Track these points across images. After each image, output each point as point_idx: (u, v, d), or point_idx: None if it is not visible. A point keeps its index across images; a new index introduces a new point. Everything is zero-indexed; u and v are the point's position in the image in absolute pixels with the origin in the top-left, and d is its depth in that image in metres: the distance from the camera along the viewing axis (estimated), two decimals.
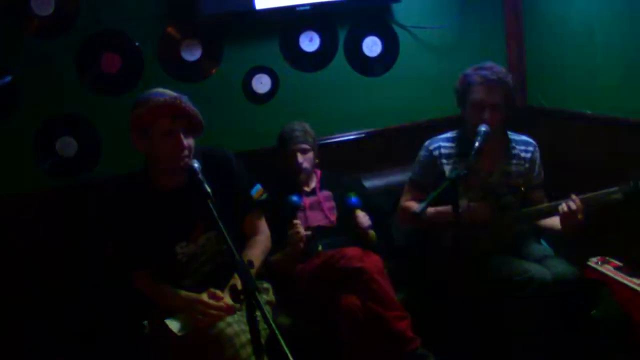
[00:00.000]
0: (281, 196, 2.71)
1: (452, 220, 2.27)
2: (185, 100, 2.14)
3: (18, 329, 2.78)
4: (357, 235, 2.64)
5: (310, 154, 2.81)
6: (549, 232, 2.61)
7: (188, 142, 2.13)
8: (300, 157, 2.77)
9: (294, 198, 2.68)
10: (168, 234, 2.25)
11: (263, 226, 2.47)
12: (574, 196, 2.34)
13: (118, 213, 2.26)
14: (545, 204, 2.55)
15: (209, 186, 1.91)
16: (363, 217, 2.68)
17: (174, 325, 2.11)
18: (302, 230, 2.58)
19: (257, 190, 2.42)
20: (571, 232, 2.38)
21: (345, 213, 2.74)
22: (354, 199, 2.71)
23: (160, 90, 2.18)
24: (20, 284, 2.78)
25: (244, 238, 2.41)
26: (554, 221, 2.46)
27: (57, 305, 2.81)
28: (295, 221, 2.61)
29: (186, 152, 2.12)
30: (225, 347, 2.01)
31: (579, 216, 2.31)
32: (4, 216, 2.78)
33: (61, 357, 2.77)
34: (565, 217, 2.35)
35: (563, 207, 2.34)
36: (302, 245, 2.57)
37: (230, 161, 2.37)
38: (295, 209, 2.67)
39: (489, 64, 2.55)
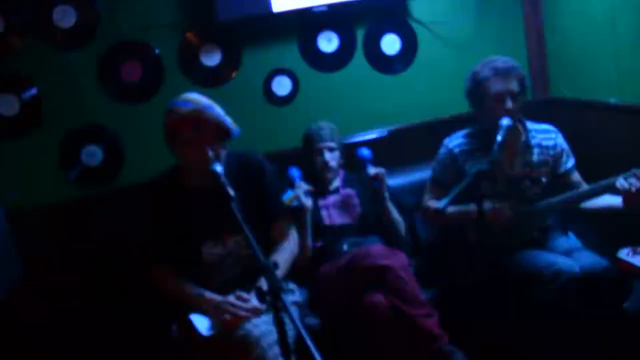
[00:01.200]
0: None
1: (476, 219, 2.24)
2: (209, 109, 2.17)
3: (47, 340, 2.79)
4: (371, 192, 2.67)
5: (337, 153, 2.82)
6: (604, 213, 2.48)
7: (214, 149, 2.16)
8: (327, 155, 2.78)
9: (364, 151, 2.71)
10: (194, 233, 2.28)
11: (292, 233, 2.46)
12: (636, 171, 2.20)
13: (151, 208, 2.32)
14: (593, 184, 2.42)
15: (238, 190, 1.92)
16: (375, 170, 2.66)
17: (201, 324, 2.13)
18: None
19: (289, 196, 2.43)
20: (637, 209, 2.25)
21: (367, 192, 2.75)
22: (365, 151, 2.71)
23: (188, 97, 2.21)
24: (49, 294, 2.81)
25: (273, 243, 2.40)
26: (608, 201, 2.37)
27: (84, 318, 2.83)
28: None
29: (210, 160, 2.14)
30: (253, 348, 2.02)
31: None
32: (34, 227, 2.83)
33: None
34: (629, 195, 2.21)
35: (623, 184, 2.21)
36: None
37: (262, 166, 2.38)
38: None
39: (495, 56, 2.53)
